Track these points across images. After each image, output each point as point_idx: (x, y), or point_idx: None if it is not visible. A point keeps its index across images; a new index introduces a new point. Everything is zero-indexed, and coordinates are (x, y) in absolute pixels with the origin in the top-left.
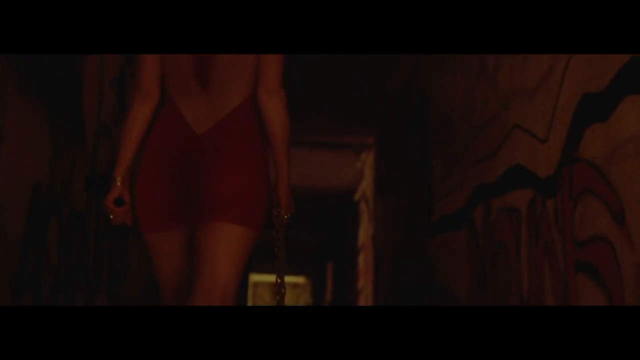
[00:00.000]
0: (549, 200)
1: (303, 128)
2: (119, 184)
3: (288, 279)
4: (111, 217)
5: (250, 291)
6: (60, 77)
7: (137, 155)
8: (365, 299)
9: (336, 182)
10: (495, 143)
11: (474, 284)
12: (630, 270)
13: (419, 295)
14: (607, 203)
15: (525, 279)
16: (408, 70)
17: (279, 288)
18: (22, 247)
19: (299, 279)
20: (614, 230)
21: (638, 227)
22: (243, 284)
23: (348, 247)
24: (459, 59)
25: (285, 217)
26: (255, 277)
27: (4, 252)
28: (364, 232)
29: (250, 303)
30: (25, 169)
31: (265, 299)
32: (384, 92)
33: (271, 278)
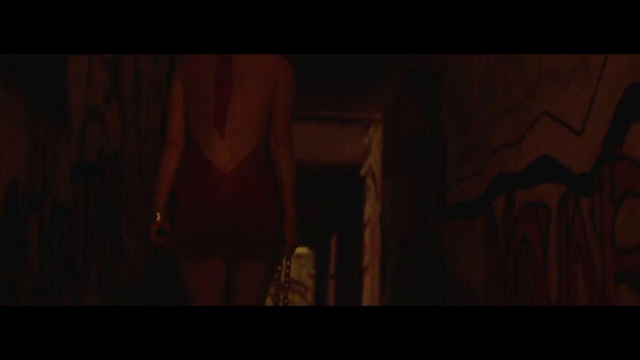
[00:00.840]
0: (583, 200)
1: (310, 102)
2: (158, 218)
3: None
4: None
5: None
6: (39, 58)
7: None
8: (371, 279)
9: (343, 157)
10: (519, 131)
11: (492, 279)
12: None
13: (429, 284)
14: None
15: (553, 283)
16: None
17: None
18: None
19: (303, 250)
20: None
21: None
22: None
23: (353, 222)
24: None
25: (290, 250)
26: None
27: None
28: (370, 208)
29: None
30: None
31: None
32: (394, 66)
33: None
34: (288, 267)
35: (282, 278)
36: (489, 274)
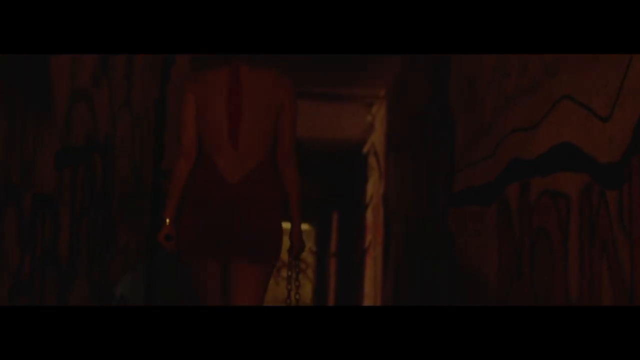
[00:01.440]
0: (610, 192)
1: (312, 79)
2: (167, 223)
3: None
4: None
5: None
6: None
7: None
8: (374, 261)
9: (344, 134)
10: (537, 115)
11: (505, 271)
12: None
13: (436, 269)
14: None
15: (574, 279)
16: None
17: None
18: None
19: (304, 226)
20: None
21: None
22: None
23: (355, 200)
24: None
25: (297, 255)
26: None
27: None
28: (373, 186)
29: None
30: None
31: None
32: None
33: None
34: (298, 266)
35: (293, 279)
36: (502, 264)
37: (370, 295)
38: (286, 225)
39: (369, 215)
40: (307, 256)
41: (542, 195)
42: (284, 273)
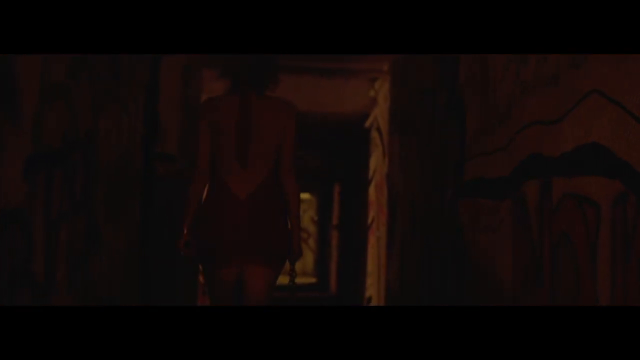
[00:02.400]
0: None
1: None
2: (185, 232)
3: None
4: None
5: None
6: None
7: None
8: (377, 242)
9: (347, 108)
10: (560, 108)
11: (521, 273)
12: None
13: (443, 261)
14: None
15: (604, 293)
16: None
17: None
18: None
19: (305, 195)
20: None
21: None
22: None
23: (357, 174)
24: None
25: (295, 260)
26: None
27: None
28: (376, 162)
29: None
30: None
31: None
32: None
33: None
34: (293, 270)
35: (291, 278)
36: (517, 266)
37: (374, 275)
38: None
39: (372, 191)
40: (309, 225)
41: (565, 199)
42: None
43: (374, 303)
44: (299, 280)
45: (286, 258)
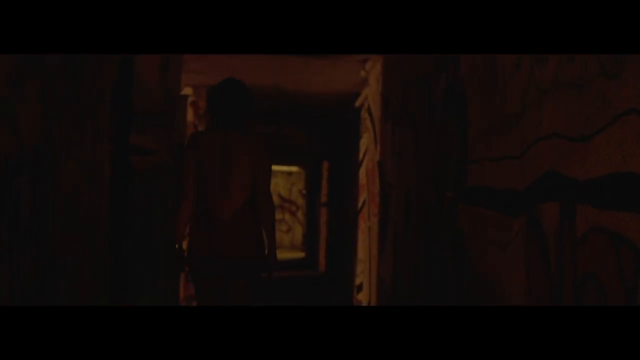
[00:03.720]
0: None
1: None
2: (177, 247)
3: (281, 168)
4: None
5: None
6: None
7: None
8: (369, 231)
9: (336, 87)
10: (590, 123)
11: (537, 301)
12: None
13: (443, 269)
14: None
15: None
16: None
17: None
18: None
19: (293, 168)
20: None
21: None
22: None
23: (346, 152)
24: None
25: (271, 273)
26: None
27: None
28: (366, 144)
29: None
30: None
31: (280, 185)
32: None
33: (283, 168)
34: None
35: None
36: (532, 297)
37: (365, 263)
38: None
39: (363, 174)
40: (298, 198)
41: (594, 233)
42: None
43: (365, 294)
44: (288, 254)
45: (263, 270)
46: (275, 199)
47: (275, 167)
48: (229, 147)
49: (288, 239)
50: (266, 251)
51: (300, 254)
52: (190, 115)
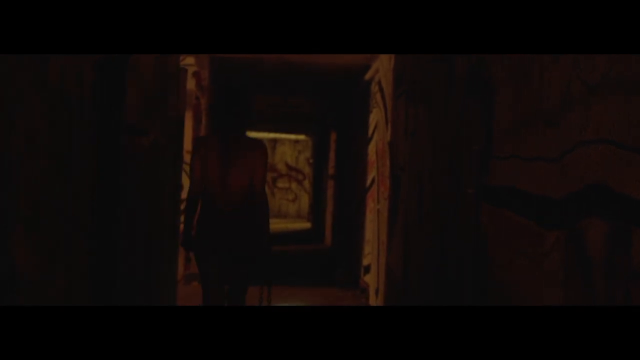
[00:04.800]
0: None
1: None
2: (184, 235)
3: (287, 136)
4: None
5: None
6: None
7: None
8: (378, 215)
9: (344, 58)
10: None
11: None
12: None
13: (460, 271)
14: None
15: None
16: None
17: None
18: None
19: (300, 136)
20: None
21: None
22: None
23: (355, 124)
24: None
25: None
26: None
27: None
28: (376, 119)
29: (276, 158)
30: None
31: (287, 153)
32: None
33: (289, 136)
34: (269, 292)
35: (265, 300)
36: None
37: (373, 244)
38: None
39: (372, 151)
40: (304, 167)
41: None
42: (279, 183)
43: (372, 279)
44: (294, 225)
45: (259, 255)
46: (282, 167)
47: (281, 135)
48: (229, 151)
49: (294, 208)
50: (261, 239)
51: (307, 224)
52: (192, 86)
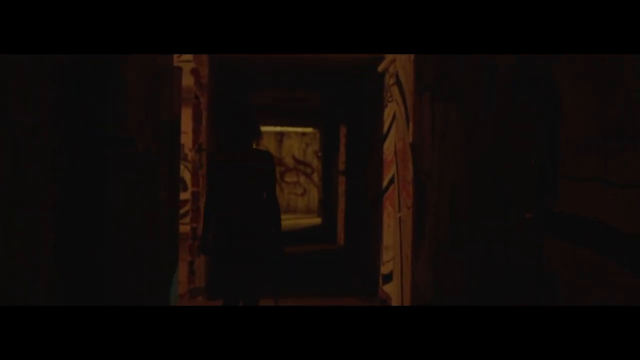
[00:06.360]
0: None
1: None
2: (201, 238)
3: (294, 129)
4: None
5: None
6: None
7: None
8: (400, 223)
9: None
10: None
11: None
12: None
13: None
14: None
15: None
16: None
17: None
18: None
19: (307, 129)
20: None
21: None
22: None
23: (368, 119)
24: None
25: (279, 257)
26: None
27: None
28: (391, 115)
29: (283, 152)
30: None
31: (294, 146)
32: None
33: (296, 129)
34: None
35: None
36: None
37: (394, 251)
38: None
39: (388, 150)
40: (313, 160)
41: None
42: (288, 178)
43: (396, 294)
44: (304, 220)
45: (272, 258)
46: (289, 160)
47: (288, 129)
48: (242, 163)
49: (303, 203)
50: (274, 241)
51: (317, 220)
52: (190, 84)
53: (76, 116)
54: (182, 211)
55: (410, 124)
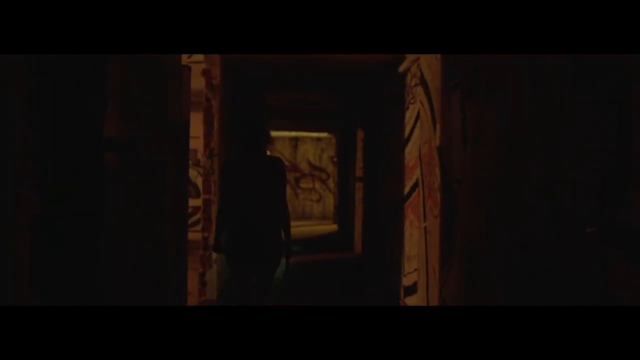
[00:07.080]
0: None
1: None
2: (214, 241)
3: (309, 134)
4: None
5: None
6: None
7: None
8: (427, 235)
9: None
10: None
11: None
12: None
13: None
14: None
15: None
16: None
17: None
18: None
19: (322, 134)
20: None
21: None
22: None
23: (387, 123)
24: None
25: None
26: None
27: None
28: (413, 118)
29: (298, 157)
30: None
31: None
32: None
33: (311, 134)
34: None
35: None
36: None
37: (418, 262)
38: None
39: (410, 155)
40: (328, 165)
41: None
42: (303, 184)
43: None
44: (319, 227)
45: (281, 259)
46: (305, 166)
47: (303, 134)
48: (253, 170)
49: (319, 209)
50: (284, 245)
51: (332, 227)
52: (201, 86)
53: (68, 117)
54: (193, 219)
55: (438, 125)
